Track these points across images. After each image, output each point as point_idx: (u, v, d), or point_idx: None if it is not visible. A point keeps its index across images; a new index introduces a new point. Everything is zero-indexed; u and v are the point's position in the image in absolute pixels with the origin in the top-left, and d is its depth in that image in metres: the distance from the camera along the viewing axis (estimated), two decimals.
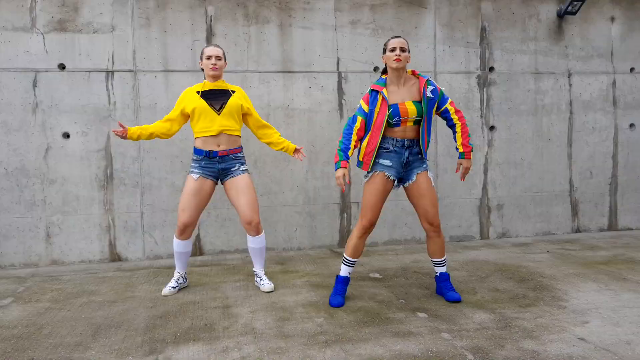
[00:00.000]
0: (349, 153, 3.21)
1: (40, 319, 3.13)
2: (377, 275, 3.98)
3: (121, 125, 3.37)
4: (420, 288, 3.64)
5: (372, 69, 4.82)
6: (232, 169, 3.51)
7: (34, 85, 4.25)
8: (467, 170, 3.32)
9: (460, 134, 3.28)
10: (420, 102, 3.20)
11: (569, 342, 2.68)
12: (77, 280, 3.96)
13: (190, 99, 3.46)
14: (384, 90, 3.18)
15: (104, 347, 2.72)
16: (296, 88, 4.68)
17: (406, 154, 3.23)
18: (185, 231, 3.49)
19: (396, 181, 3.30)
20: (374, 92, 3.22)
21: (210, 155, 3.45)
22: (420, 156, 3.28)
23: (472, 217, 5.10)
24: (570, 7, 4.97)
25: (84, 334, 2.90)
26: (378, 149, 3.24)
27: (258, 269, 3.70)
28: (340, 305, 3.28)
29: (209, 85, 3.50)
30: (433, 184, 3.32)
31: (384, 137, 3.23)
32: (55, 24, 4.26)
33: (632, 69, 5.33)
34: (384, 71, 3.30)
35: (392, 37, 3.22)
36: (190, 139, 4.52)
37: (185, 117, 3.53)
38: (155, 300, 3.46)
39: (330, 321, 3.04)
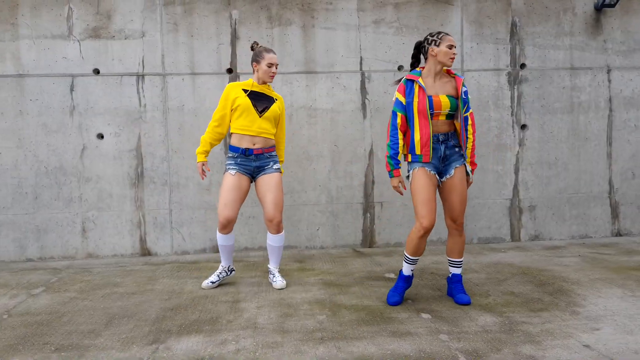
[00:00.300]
0: (399, 157, 3.23)
1: (63, 308, 3.35)
2: (392, 276, 3.96)
3: (203, 171, 3.63)
4: (432, 289, 3.60)
5: (396, 68, 4.79)
6: (266, 167, 3.63)
7: (71, 89, 4.53)
8: (468, 185, 3.29)
9: (470, 150, 3.24)
10: (456, 98, 3.19)
11: (571, 349, 2.58)
12: (105, 272, 4.19)
13: (237, 94, 3.58)
14: (420, 80, 3.17)
15: (113, 335, 2.88)
16: (319, 88, 4.73)
17: (442, 148, 3.20)
18: (227, 225, 3.60)
19: (437, 176, 3.25)
20: (410, 82, 3.20)
21: (246, 153, 3.57)
22: (457, 149, 3.24)
23: (502, 219, 4.96)
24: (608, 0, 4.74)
25: (98, 323, 3.08)
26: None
27: (272, 266, 3.78)
28: (396, 304, 3.28)
29: (257, 86, 3.62)
30: (471, 180, 3.31)
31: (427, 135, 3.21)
32: (90, 31, 4.52)
33: None
34: (413, 65, 3.33)
35: (445, 33, 3.19)
36: None
37: (232, 111, 3.63)
38: (171, 293, 3.62)
39: (332, 319, 3.07)
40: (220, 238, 3.67)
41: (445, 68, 3.25)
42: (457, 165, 3.23)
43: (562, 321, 2.96)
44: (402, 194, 3.26)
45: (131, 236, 4.66)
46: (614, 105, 5.00)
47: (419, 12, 4.78)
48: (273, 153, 3.66)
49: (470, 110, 3.27)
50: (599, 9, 4.87)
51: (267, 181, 3.60)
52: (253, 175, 3.65)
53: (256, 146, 3.58)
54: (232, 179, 3.57)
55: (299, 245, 4.82)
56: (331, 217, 4.82)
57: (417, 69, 3.28)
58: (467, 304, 3.28)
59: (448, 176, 3.23)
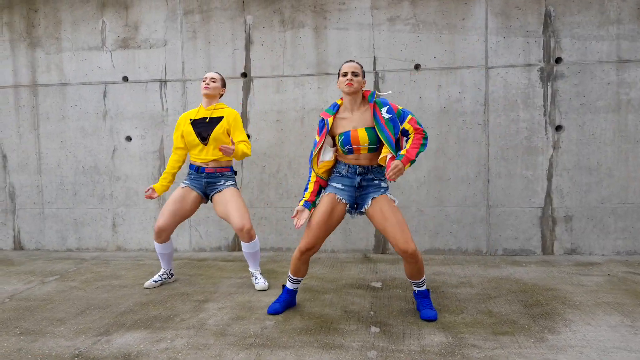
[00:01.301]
0: (309, 199, 3.16)
1: (57, 296, 3.69)
2: (377, 285, 3.80)
3: (150, 193, 3.78)
4: (406, 302, 3.40)
5: (412, 67, 4.56)
6: (218, 184, 3.71)
7: (104, 95, 4.95)
8: (398, 172, 2.86)
9: (411, 140, 2.99)
10: (373, 128, 3.00)
11: None
12: (119, 265, 4.53)
13: (183, 125, 3.75)
14: (329, 119, 3.07)
15: (74, 325, 3.12)
16: (331, 90, 4.66)
17: (358, 179, 3.08)
18: (160, 235, 3.72)
19: (349, 206, 3.13)
20: (322, 120, 3.12)
21: (198, 171, 3.72)
22: (377, 182, 3.09)
23: (531, 229, 4.51)
24: None
25: (72, 312, 3.35)
26: (331, 172, 3.17)
27: (253, 269, 3.81)
28: (276, 312, 3.22)
29: (202, 112, 3.74)
30: (396, 204, 3.09)
31: (338, 161, 3.13)
32: (120, 42, 4.90)
33: None
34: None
35: (345, 62, 3.09)
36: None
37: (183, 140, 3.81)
38: (156, 288, 3.81)
39: (278, 325, 3.04)
40: (156, 246, 3.81)
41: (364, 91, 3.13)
42: (375, 196, 3.04)
43: (518, 348, 2.65)
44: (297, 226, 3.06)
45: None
46: None
47: (438, 7, 4.51)
48: (227, 173, 3.73)
49: (409, 117, 3.02)
50: None
51: (224, 196, 3.67)
52: (205, 192, 3.75)
53: (209, 166, 3.70)
54: (178, 191, 3.73)
55: None
56: (343, 222, 4.73)
57: (338, 102, 3.16)
58: (433, 319, 3.05)
59: (366, 206, 3.06)
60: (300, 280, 3.29)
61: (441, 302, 3.40)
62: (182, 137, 3.77)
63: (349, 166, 3.08)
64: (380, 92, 4.55)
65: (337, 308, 3.31)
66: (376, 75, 4.60)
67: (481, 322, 3.03)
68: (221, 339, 2.86)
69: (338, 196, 3.08)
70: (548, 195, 4.49)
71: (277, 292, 3.66)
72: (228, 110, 3.75)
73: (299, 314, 3.23)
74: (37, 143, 5.08)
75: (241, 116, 4.79)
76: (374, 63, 4.61)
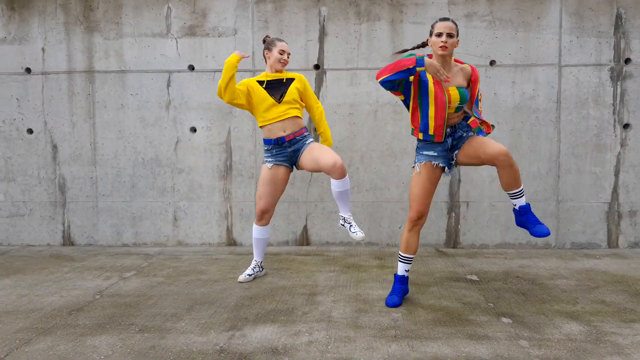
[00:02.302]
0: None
1: (150, 291, 3.57)
2: (474, 278, 3.83)
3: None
4: (516, 293, 3.44)
5: (487, 63, 4.61)
6: (302, 148, 3.61)
7: (168, 84, 4.80)
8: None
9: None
10: (465, 88, 3.07)
11: None
12: (192, 260, 4.41)
13: (254, 85, 3.60)
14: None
15: (193, 319, 3.03)
16: None
17: (449, 140, 3.11)
18: (263, 217, 3.68)
19: (446, 168, 3.14)
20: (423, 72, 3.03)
21: (279, 142, 3.58)
22: (464, 136, 3.12)
23: (598, 224, 4.63)
24: None
25: (180, 307, 3.25)
26: (420, 140, 3.16)
27: (346, 213, 3.60)
28: (395, 305, 3.20)
29: (270, 76, 3.64)
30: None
31: (422, 128, 3.09)
32: (187, 30, 4.77)
33: None
34: (421, 46, 3.22)
35: (440, 20, 3.02)
36: None
37: (247, 101, 3.61)
38: (252, 282, 3.74)
39: (407, 317, 3.03)
40: (256, 230, 3.76)
41: (454, 58, 3.14)
42: (463, 143, 3.10)
43: None
44: (445, 76, 2.89)
45: (218, 226, 4.87)
46: None
47: (514, 5, 4.57)
48: (305, 134, 3.62)
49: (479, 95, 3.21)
50: None
51: (310, 150, 3.54)
52: (292, 161, 3.64)
53: (287, 132, 3.57)
54: (267, 172, 3.62)
55: (380, 242, 4.80)
56: None
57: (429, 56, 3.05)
58: (547, 234, 3.00)
59: (456, 157, 3.13)
60: (412, 259, 3.27)
61: (549, 292, 3.46)
62: (248, 94, 3.60)
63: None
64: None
65: (453, 300, 3.32)
66: None
67: (602, 311, 3.09)
68: (360, 331, 2.83)
69: (434, 162, 3.12)
70: (615, 190, 4.62)
71: (372, 286, 3.64)
72: (296, 74, 3.71)
73: (419, 306, 3.22)
74: (92, 132, 4.89)
75: None
76: None
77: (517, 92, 4.61)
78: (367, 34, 4.67)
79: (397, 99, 4.68)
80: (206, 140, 4.82)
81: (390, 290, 3.50)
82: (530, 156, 4.64)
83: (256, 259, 3.84)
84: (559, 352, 2.53)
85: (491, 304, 3.25)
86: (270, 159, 3.63)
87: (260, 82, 3.62)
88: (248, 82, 3.62)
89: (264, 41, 3.71)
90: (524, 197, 3.13)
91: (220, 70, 4.75)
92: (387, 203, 4.75)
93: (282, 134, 3.58)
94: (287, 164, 3.65)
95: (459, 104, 3.05)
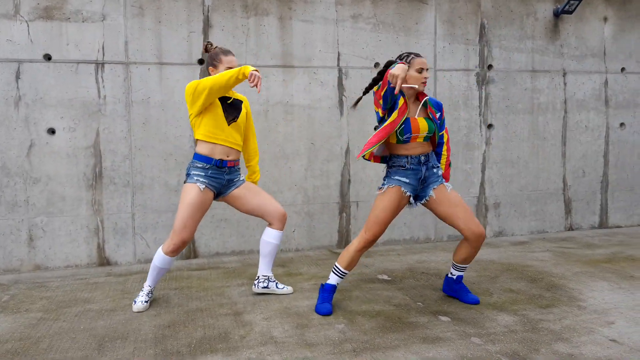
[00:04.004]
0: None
1: (35, 332, 2.87)
2: (385, 277, 3.85)
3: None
4: (434, 290, 3.54)
5: (372, 65, 4.69)
6: (236, 180, 3.27)
7: (17, 76, 3.93)
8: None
9: (444, 165, 3.27)
10: (432, 120, 3.11)
11: (602, 344, 2.62)
12: (66, 286, 3.68)
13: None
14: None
15: None
16: (296, 84, 4.51)
17: (423, 169, 3.10)
18: (180, 249, 3.13)
19: (412, 197, 3.14)
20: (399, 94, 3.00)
21: (220, 165, 3.15)
22: (435, 170, 3.15)
23: None
24: (567, 7, 4.97)
25: (87, 347, 2.66)
26: (392, 166, 3.11)
27: (269, 272, 3.44)
28: (329, 313, 3.09)
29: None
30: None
31: (397, 156, 3.08)
32: (41, 12, 3.95)
33: (623, 69, 5.38)
34: (370, 86, 3.12)
35: (416, 55, 3.03)
36: (185, 135, 4.28)
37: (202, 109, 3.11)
38: (158, 308, 3.23)
39: (352, 327, 2.89)
40: (163, 261, 3.14)
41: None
42: (435, 186, 3.14)
43: (575, 316, 3.02)
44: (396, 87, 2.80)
45: (87, 244, 4.15)
46: (568, 107, 5.26)
47: (395, 10, 4.71)
48: (239, 166, 3.34)
49: (445, 128, 3.26)
50: (557, 14, 5.10)
51: (252, 192, 3.28)
52: (219, 191, 3.24)
53: (230, 157, 3.19)
54: (198, 195, 3.08)
55: None
56: (307, 218, 4.62)
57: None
58: (477, 303, 3.25)
59: (427, 197, 3.14)
60: (347, 274, 3.19)
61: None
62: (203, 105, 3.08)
63: (410, 157, 3.07)
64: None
65: (382, 303, 3.28)
66: (340, 71, 4.60)
67: (517, 299, 3.34)
68: (315, 349, 2.62)
69: (403, 189, 3.06)
70: (482, 185, 5.07)
71: (294, 297, 3.43)
72: (243, 97, 3.38)
73: (354, 313, 3.11)
74: None
75: None
76: (338, 59, 4.60)
77: None
78: (255, 29, 4.40)
79: (288, 100, 4.50)
80: (69, 143, 4.06)
81: (317, 298, 3.33)
82: None
83: (149, 284, 3.26)
84: (511, 345, 2.64)
85: (420, 303, 3.28)
86: (203, 180, 3.11)
87: (222, 98, 3.19)
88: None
89: (207, 50, 3.21)
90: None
91: (85, 62, 4.04)
92: None
93: (225, 157, 3.16)
94: (215, 191, 3.20)
95: (427, 133, 3.04)
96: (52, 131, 4.03)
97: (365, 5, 4.64)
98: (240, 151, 3.29)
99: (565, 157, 5.29)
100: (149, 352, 2.60)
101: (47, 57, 3.99)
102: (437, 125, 3.12)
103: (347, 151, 4.69)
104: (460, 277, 3.33)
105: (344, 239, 4.74)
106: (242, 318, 3.05)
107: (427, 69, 3.02)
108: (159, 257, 3.15)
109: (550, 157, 5.25)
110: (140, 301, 3.21)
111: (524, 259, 4.32)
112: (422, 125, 3.03)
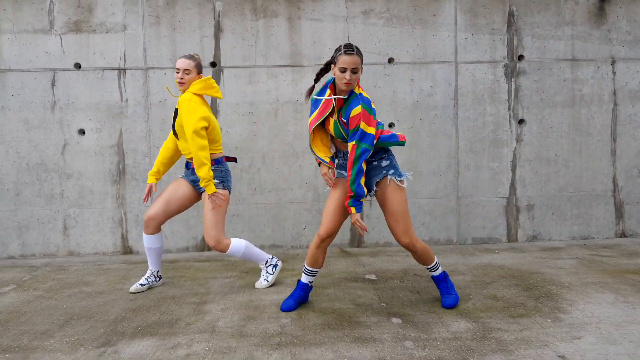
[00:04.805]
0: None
1: (26, 307, 3.26)
2: (372, 277, 3.78)
3: (147, 194, 3.50)
4: (411, 292, 3.41)
5: (386, 61, 4.59)
6: (198, 181, 3.43)
7: (53, 84, 4.46)
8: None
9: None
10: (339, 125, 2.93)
11: None
12: (81, 271, 4.11)
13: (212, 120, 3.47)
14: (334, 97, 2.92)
15: (65, 336, 2.78)
16: (305, 82, 4.57)
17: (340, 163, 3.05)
18: (148, 224, 3.42)
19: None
20: (316, 101, 3.00)
21: (188, 166, 3.49)
22: (374, 163, 2.96)
23: (497, 218, 4.73)
24: None
25: (54, 323, 2.97)
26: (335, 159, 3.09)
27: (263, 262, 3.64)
28: (290, 309, 3.09)
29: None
30: (403, 185, 2.97)
31: (336, 149, 3.07)
32: (72, 25, 4.44)
33: None
34: (323, 70, 3.02)
35: (344, 52, 2.77)
36: None
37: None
38: (139, 293, 3.50)
39: (296, 323, 2.91)
40: (144, 239, 3.49)
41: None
42: (378, 179, 2.96)
43: (542, 328, 2.75)
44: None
45: (112, 234, 4.58)
46: (618, 99, 4.71)
47: (410, 2, 4.57)
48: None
49: (352, 143, 2.84)
50: None
51: (204, 200, 3.40)
52: (196, 188, 3.47)
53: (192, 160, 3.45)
54: (174, 182, 3.50)
55: (285, 244, 4.67)
56: (318, 216, 4.66)
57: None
58: (452, 306, 3.07)
59: (373, 191, 3.01)
60: (317, 272, 3.15)
61: None
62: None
63: (343, 153, 3.01)
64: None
65: (347, 302, 3.24)
66: None
67: (493, 307, 3.11)
68: (243, 340, 2.68)
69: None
70: (512, 185, 4.73)
71: (267, 291, 3.51)
72: (181, 97, 3.31)
73: (311, 310, 3.12)
74: None
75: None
76: None
77: (416, 89, 4.62)
78: (264, 30, 4.53)
79: (298, 98, 4.58)
80: (96, 142, 4.51)
81: (288, 294, 3.38)
82: (429, 153, 4.66)
83: (151, 268, 3.58)
84: (442, 352, 2.49)
85: (384, 304, 3.19)
86: (183, 174, 3.54)
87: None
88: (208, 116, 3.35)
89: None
90: (438, 269, 3.12)
91: (109, 68, 4.46)
92: (290, 204, 4.63)
93: (188, 160, 3.50)
94: (194, 186, 3.47)
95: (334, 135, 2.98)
96: (82, 132, 4.51)
97: (377, 0, 4.56)
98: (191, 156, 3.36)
99: (615, 154, 4.74)
100: (99, 331, 2.84)
101: (77, 66, 4.47)
102: (345, 131, 2.91)
103: None
104: (436, 277, 3.14)
105: (356, 238, 4.70)
106: (202, 307, 3.20)
107: (352, 69, 2.77)
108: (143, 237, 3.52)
109: (597, 155, 4.74)
110: (137, 283, 3.53)
111: (540, 265, 3.97)
112: (331, 127, 2.95)
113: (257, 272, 3.94)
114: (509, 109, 4.68)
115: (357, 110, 2.81)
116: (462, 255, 4.34)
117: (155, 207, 3.42)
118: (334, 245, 4.70)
